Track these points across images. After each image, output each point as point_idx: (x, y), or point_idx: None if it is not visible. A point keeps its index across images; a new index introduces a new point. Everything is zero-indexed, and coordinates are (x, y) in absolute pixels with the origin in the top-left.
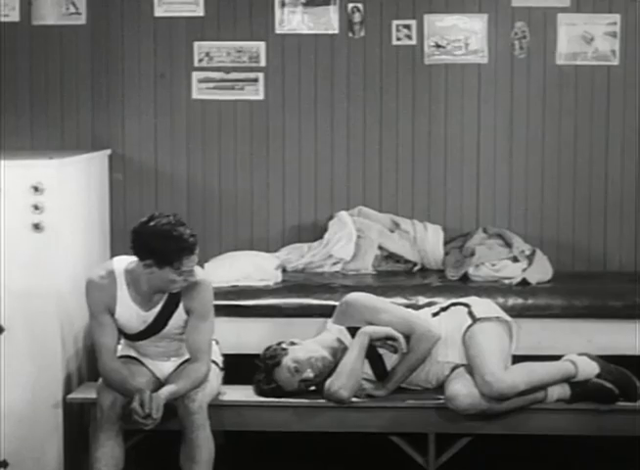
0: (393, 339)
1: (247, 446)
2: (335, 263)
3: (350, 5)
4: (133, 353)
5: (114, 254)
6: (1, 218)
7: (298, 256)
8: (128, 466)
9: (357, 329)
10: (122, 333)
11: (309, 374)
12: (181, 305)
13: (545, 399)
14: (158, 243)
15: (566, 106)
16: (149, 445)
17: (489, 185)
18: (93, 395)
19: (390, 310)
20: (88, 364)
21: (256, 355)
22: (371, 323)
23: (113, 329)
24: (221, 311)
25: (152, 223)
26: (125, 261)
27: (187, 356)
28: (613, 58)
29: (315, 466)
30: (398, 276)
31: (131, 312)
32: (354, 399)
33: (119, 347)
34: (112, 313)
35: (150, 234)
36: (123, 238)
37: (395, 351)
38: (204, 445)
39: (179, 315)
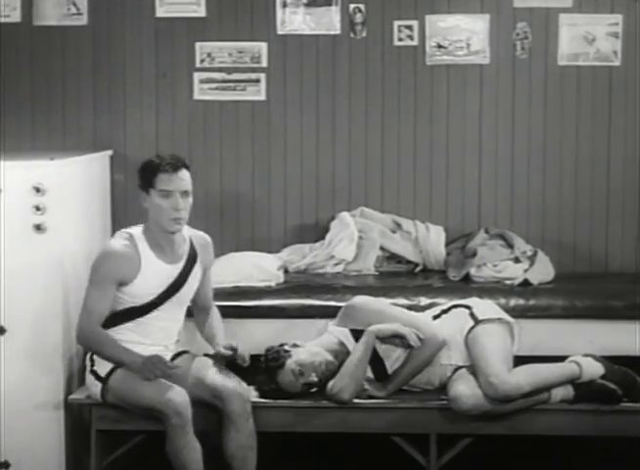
0: (401, 336)
1: None
2: (336, 264)
3: (352, 5)
4: None
5: None
6: (2, 219)
7: (300, 256)
8: (128, 466)
9: (361, 332)
10: (133, 311)
11: (313, 378)
12: (198, 261)
13: (549, 399)
14: (141, 169)
15: (567, 106)
16: (149, 445)
17: (491, 186)
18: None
19: (396, 315)
20: None
21: (258, 356)
22: None
23: (110, 301)
24: (223, 312)
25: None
26: (139, 227)
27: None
28: (614, 58)
29: (317, 467)
30: (400, 277)
31: (157, 269)
32: (356, 400)
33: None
34: (126, 283)
35: (147, 160)
36: None
37: (407, 346)
38: (254, 431)
39: (196, 272)
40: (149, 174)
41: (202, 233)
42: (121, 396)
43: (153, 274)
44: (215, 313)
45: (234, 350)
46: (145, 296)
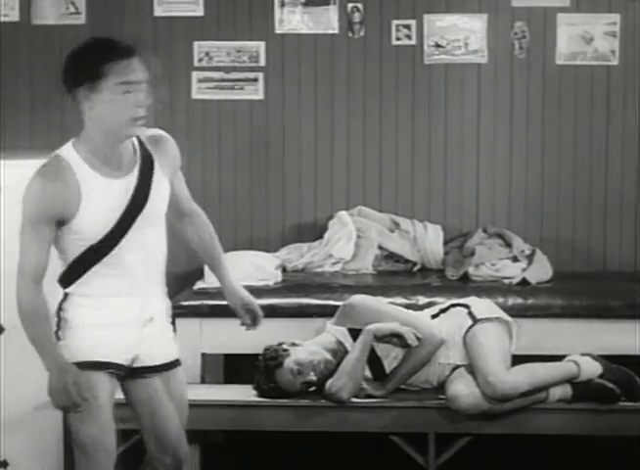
0: (398, 335)
1: (247, 446)
2: (335, 263)
3: (350, 5)
4: (91, 356)
5: None
6: (2, 218)
7: (298, 255)
8: (128, 465)
9: (359, 331)
10: (92, 252)
11: (312, 377)
12: (157, 166)
13: (547, 399)
14: (81, 56)
15: (565, 106)
16: None
17: (489, 185)
18: None
19: (394, 314)
20: None
21: (256, 355)
22: None
23: (47, 251)
24: (222, 311)
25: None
26: (68, 143)
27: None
28: (612, 58)
29: (315, 466)
30: (398, 276)
31: (105, 189)
32: (354, 400)
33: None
34: (68, 219)
35: (72, 54)
36: None
37: (405, 346)
38: None
39: (159, 181)
40: (97, 61)
41: (153, 130)
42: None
43: (100, 196)
44: (201, 220)
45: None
46: (99, 227)
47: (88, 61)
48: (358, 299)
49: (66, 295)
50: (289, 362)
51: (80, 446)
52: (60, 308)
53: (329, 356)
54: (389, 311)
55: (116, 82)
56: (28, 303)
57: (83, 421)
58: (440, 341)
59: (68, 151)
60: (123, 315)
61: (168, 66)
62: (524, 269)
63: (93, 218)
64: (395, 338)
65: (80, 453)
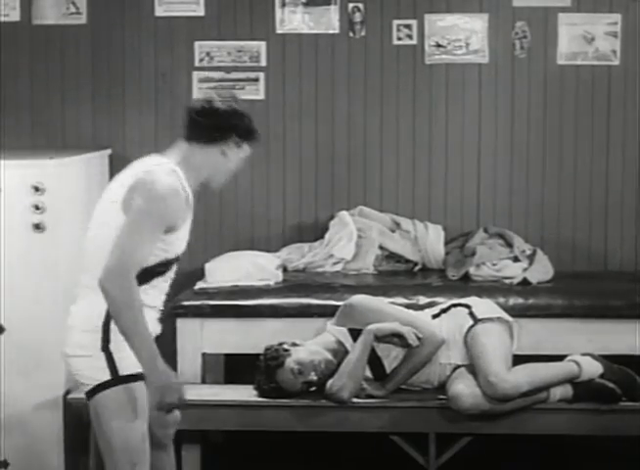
0: (399, 335)
1: (247, 446)
2: (335, 263)
3: (351, 5)
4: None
5: None
6: (1, 218)
7: (299, 255)
8: None
9: (359, 331)
10: (165, 264)
11: (313, 377)
12: None
13: (548, 398)
14: (246, 117)
15: (566, 105)
16: None
17: (490, 185)
18: None
19: (395, 313)
20: None
21: (257, 355)
22: None
23: (152, 252)
24: (222, 311)
25: (229, 100)
26: (164, 159)
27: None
28: (613, 58)
29: (315, 466)
30: (399, 276)
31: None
32: (355, 400)
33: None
34: (174, 229)
35: (231, 107)
36: None
37: (406, 345)
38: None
39: None
40: (255, 130)
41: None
42: (109, 413)
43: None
44: None
45: None
46: (183, 243)
47: (251, 125)
48: (358, 299)
49: None
50: (289, 362)
51: (128, 454)
52: (107, 321)
53: (329, 356)
54: (390, 311)
55: (247, 151)
56: (135, 296)
57: (134, 431)
58: (441, 341)
59: (177, 170)
60: (156, 325)
61: (169, 66)
62: (524, 269)
63: (185, 233)
64: (396, 338)
65: (126, 463)
